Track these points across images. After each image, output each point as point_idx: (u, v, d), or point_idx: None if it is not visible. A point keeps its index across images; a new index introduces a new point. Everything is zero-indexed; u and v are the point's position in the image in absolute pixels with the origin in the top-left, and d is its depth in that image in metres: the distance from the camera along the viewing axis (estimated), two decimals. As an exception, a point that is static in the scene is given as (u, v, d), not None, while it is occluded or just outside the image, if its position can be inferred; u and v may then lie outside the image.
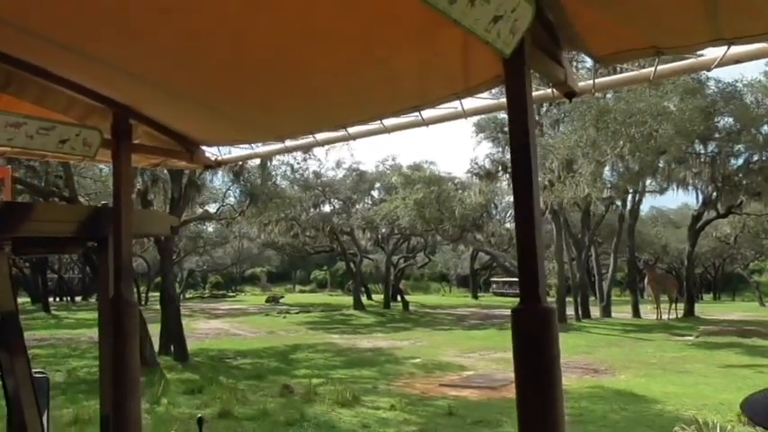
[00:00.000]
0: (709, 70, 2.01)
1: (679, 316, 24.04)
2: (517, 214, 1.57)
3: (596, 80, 2.14)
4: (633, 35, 1.76)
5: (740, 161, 21.25)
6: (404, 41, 1.88)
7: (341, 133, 2.75)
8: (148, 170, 15.52)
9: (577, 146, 17.22)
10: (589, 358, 14.44)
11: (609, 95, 18.47)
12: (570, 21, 1.67)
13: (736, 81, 19.88)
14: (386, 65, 2.07)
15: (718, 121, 19.90)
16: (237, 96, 2.51)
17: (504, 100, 1.76)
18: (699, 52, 1.88)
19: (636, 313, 24.88)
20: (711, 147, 20.53)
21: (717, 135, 20.12)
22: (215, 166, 3.37)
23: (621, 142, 16.69)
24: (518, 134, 1.57)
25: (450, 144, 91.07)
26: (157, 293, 39.26)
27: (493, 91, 2.42)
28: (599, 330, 20.30)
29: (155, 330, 14.72)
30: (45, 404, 2.46)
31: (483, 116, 25.40)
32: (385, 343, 18.23)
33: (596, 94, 16.83)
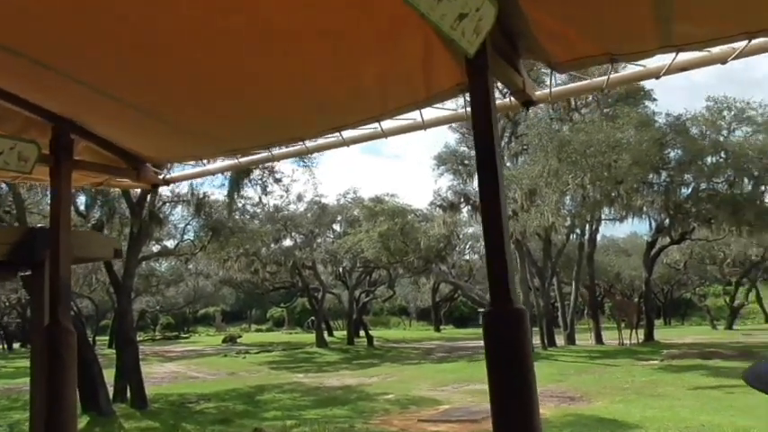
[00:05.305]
0: (657, 78, 2.13)
1: (640, 341, 24.52)
2: (484, 217, 1.56)
3: (552, 89, 2.22)
4: (589, 42, 1.82)
5: (689, 190, 22.23)
6: (366, 47, 1.86)
7: (298, 147, 2.69)
8: (106, 205, 14.82)
9: (540, 176, 17.58)
10: (562, 386, 14.40)
11: (566, 128, 19.11)
12: (530, 28, 1.72)
13: (681, 115, 21.08)
14: (347, 71, 2.03)
15: (668, 153, 20.83)
16: (190, 104, 2.36)
17: (462, 111, 1.87)
18: (649, 60, 1.98)
19: (599, 339, 25.26)
20: (663, 176, 21.39)
21: (668, 165, 21.01)
22: (162, 184, 3.23)
23: (582, 172, 17.13)
24: (483, 137, 1.58)
25: (409, 178, 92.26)
26: (104, 337, 37.57)
27: (450, 104, 2.43)
28: (566, 358, 20.42)
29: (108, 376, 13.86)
30: None
31: (444, 149, 25.76)
32: (354, 380, 17.72)
33: (554, 127, 17.05)
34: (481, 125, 1.55)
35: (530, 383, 1.42)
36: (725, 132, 20.81)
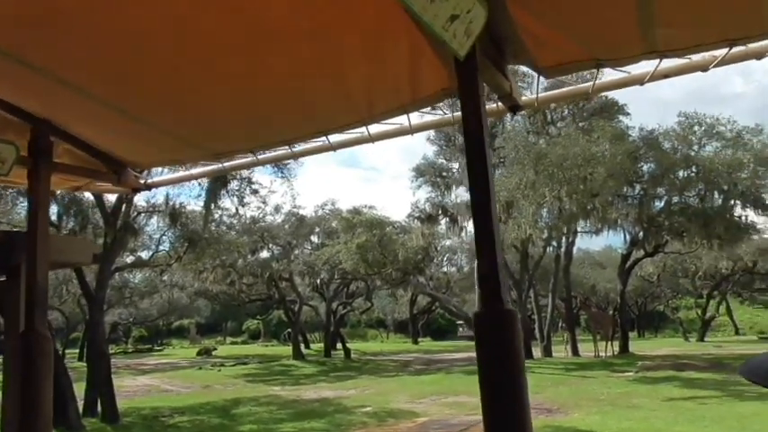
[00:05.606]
0: (642, 84, 2.15)
1: (615, 353, 24.79)
2: (475, 217, 1.55)
3: (539, 95, 2.23)
4: (576, 48, 1.84)
5: (662, 203, 22.68)
6: (353, 48, 1.84)
7: (283, 151, 2.62)
8: (79, 215, 14.51)
9: (517, 188, 17.75)
10: (539, 398, 14.43)
11: (542, 141, 19.37)
12: (517, 33, 1.74)
13: (654, 129, 21.57)
14: (334, 72, 2.00)
15: (641, 166, 21.25)
16: (173, 107, 2.29)
17: (449, 116, 1.89)
18: (632, 67, 2.01)
19: (575, 352, 25.46)
20: (637, 189, 21.79)
21: (642, 179, 21.42)
22: (144, 188, 3.15)
23: (559, 185, 17.36)
24: (473, 139, 1.56)
25: (386, 191, 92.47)
26: (74, 351, 36.53)
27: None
28: (543, 370, 20.50)
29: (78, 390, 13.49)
30: None
31: (422, 161, 25.89)
32: (331, 393, 17.53)
33: (531, 140, 17.24)
34: (471, 127, 1.55)
35: (521, 384, 1.40)
36: (696, 147, 21.32)
